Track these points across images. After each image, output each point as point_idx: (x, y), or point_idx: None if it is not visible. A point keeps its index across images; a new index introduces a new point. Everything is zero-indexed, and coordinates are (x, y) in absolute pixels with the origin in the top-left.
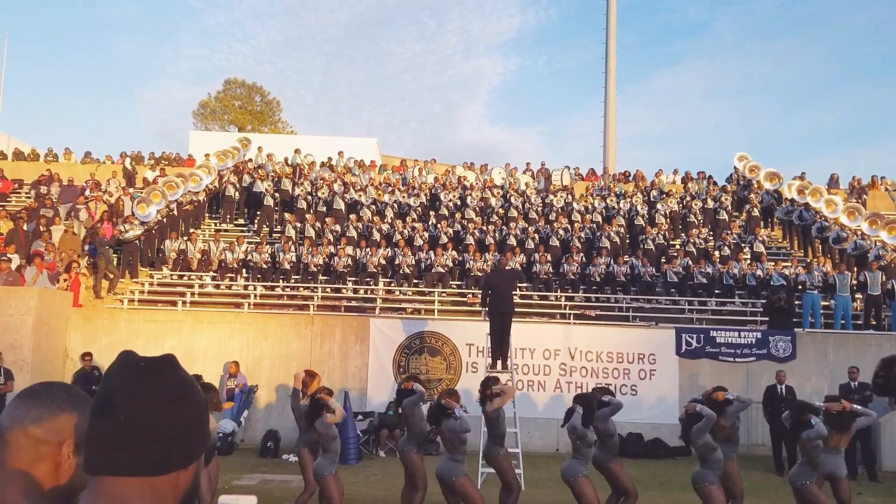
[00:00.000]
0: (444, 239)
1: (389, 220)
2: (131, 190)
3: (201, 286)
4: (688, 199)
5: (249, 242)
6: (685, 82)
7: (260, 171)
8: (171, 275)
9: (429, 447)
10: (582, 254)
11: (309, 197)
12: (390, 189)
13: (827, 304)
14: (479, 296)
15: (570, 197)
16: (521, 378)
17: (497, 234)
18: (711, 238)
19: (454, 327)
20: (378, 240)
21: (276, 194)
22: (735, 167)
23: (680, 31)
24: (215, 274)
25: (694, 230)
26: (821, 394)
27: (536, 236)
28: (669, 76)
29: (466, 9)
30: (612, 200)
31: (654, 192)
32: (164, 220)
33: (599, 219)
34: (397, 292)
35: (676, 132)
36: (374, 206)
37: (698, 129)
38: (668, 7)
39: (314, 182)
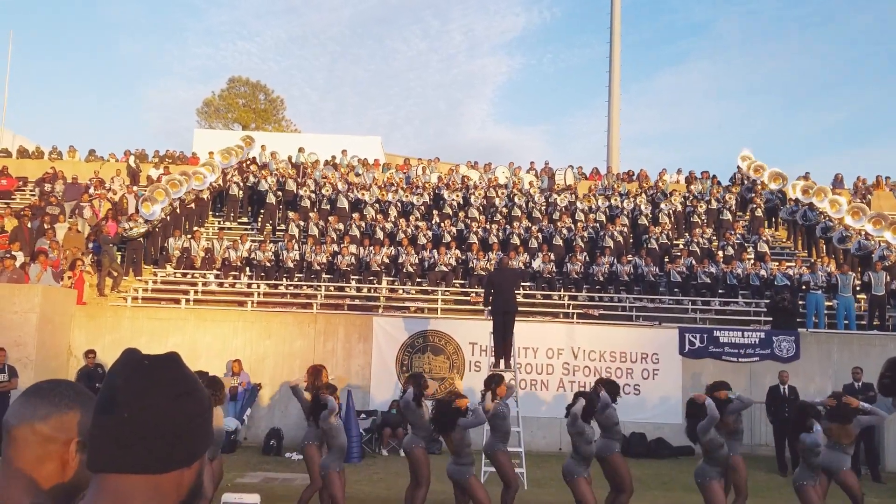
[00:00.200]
0: (448, 238)
1: (393, 219)
2: (135, 188)
3: (205, 284)
4: (691, 198)
5: (253, 241)
6: (689, 82)
7: (264, 170)
8: (175, 273)
9: (432, 446)
10: (585, 253)
11: (312, 195)
12: (394, 188)
13: (830, 304)
14: (482, 294)
15: (573, 196)
16: (524, 377)
17: (500, 233)
18: (715, 238)
19: (457, 326)
20: (381, 238)
21: (279, 192)
22: (738, 166)
23: (683, 30)
24: (219, 272)
25: (697, 230)
26: (824, 394)
27: (540, 235)
28: (673, 76)
29: (470, 7)
30: (615, 200)
31: (658, 194)
32: (168, 217)
33: (603, 218)
34: (400, 291)
35: (680, 131)
36: (377, 205)
37: (702, 128)
38: (672, 7)
39: (318, 180)
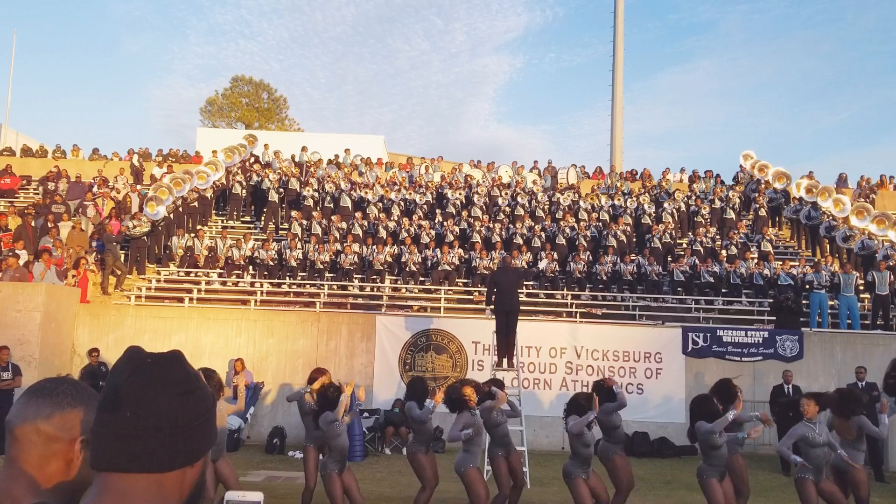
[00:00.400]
0: (451, 237)
1: (396, 218)
2: (139, 187)
3: (208, 283)
4: (695, 198)
5: (256, 239)
6: (692, 81)
7: (267, 169)
8: (178, 271)
9: (435, 445)
10: (588, 252)
11: (315, 194)
12: (397, 187)
13: (833, 303)
14: (485, 293)
15: (576, 195)
16: (527, 376)
17: (503, 232)
18: (719, 237)
19: (460, 325)
20: (384, 237)
21: (282, 190)
22: (741, 165)
23: (687, 29)
24: (222, 271)
25: (701, 229)
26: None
27: (543, 234)
28: (677, 75)
29: (473, 7)
30: (619, 199)
31: (661, 193)
32: (171, 216)
33: (606, 217)
34: (403, 290)
35: (684, 131)
36: (380, 204)
37: (705, 127)
38: (676, 5)
39: (321, 179)
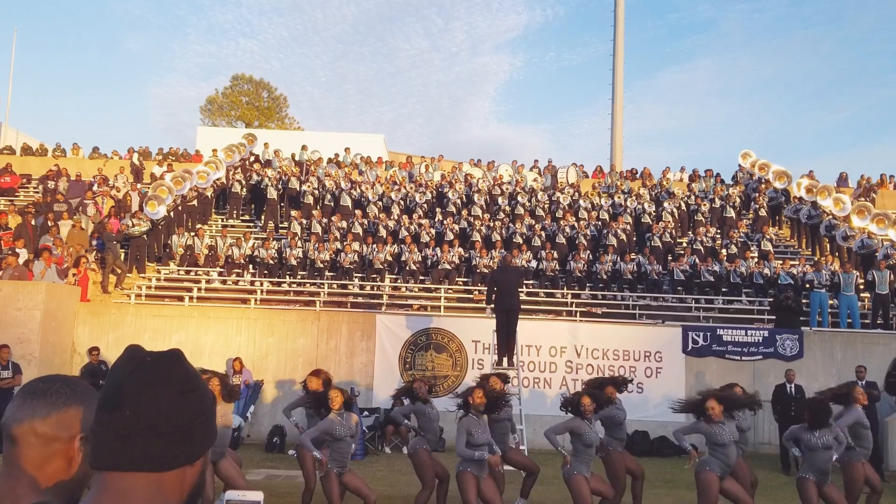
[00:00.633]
0: (451, 235)
1: (396, 217)
2: (139, 185)
3: (208, 282)
4: (694, 197)
5: (256, 238)
6: (693, 80)
7: (267, 168)
8: (179, 270)
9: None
10: (588, 251)
11: (315, 193)
12: (397, 185)
13: (833, 302)
14: (485, 292)
15: (576, 194)
16: (527, 375)
17: (503, 231)
18: (719, 236)
19: (460, 324)
20: (384, 236)
21: (280, 187)
22: (739, 165)
23: (687, 28)
24: (222, 269)
25: (701, 228)
26: None
27: (543, 233)
28: (677, 74)
29: (473, 6)
30: (619, 198)
31: (662, 192)
32: (171, 215)
33: (606, 216)
34: (403, 289)
35: (684, 130)
36: (380, 203)
37: (706, 126)
38: (676, 5)
39: (321, 178)
